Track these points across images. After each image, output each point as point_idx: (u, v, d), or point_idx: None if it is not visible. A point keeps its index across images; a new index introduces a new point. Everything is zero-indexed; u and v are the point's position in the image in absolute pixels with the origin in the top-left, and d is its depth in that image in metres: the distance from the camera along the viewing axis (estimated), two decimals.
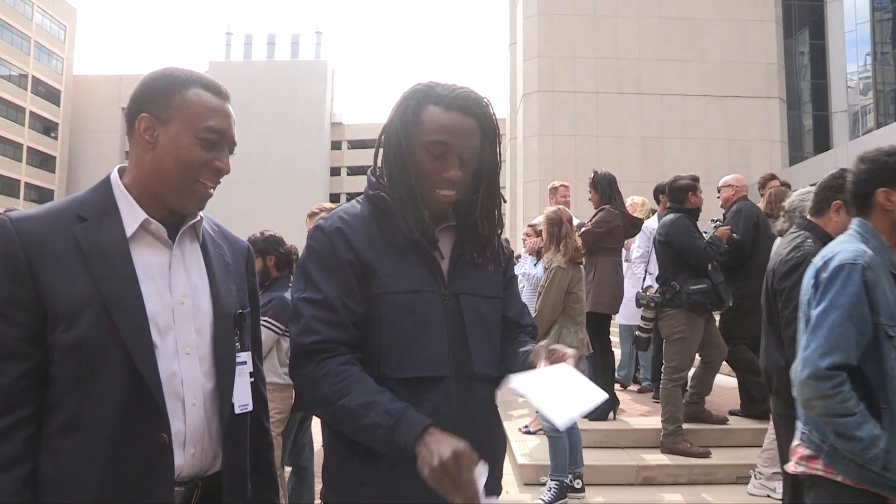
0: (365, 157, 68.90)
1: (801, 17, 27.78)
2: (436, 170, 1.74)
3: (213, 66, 70.45)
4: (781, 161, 17.81)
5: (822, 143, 26.79)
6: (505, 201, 2.03)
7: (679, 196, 5.78)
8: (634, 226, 6.00)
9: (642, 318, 5.96)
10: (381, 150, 1.84)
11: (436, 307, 1.74)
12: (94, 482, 1.44)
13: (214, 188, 1.66)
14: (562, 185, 7.34)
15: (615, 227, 6.11)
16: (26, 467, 1.43)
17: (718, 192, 6.73)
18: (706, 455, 5.50)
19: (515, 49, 22.29)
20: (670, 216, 5.72)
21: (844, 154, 21.04)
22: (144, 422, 1.49)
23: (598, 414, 5.91)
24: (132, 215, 1.59)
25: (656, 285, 5.93)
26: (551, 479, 4.91)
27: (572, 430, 4.94)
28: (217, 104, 1.65)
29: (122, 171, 1.66)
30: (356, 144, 72.13)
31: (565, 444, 4.92)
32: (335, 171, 71.72)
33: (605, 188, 6.17)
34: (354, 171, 70.44)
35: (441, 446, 1.44)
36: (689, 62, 18.14)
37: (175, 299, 1.60)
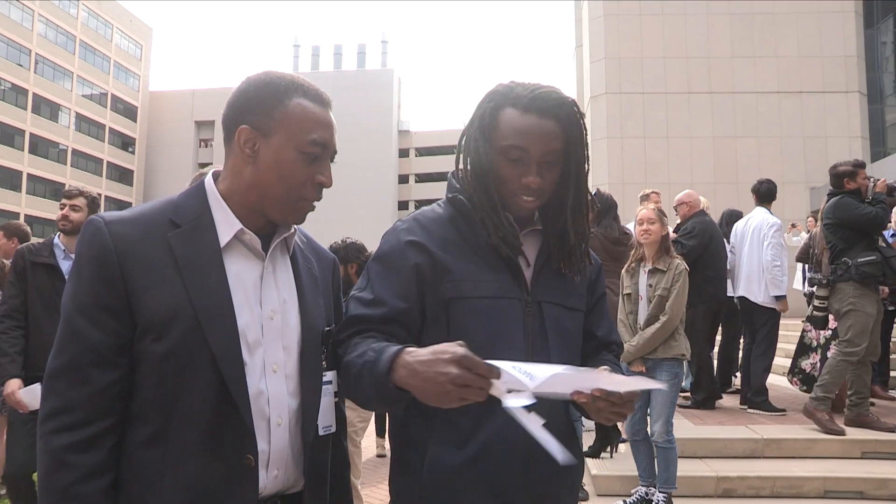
0: (433, 165, 69.33)
1: (884, 6, 26.65)
2: (514, 175, 1.66)
3: None
4: (862, 157, 17.11)
5: None
6: (598, 206, 1.96)
7: (837, 182, 6.06)
8: (614, 244, 5.76)
9: (816, 297, 6.15)
10: (461, 154, 1.77)
11: (515, 315, 1.67)
12: (175, 498, 1.39)
13: (317, 201, 1.60)
14: (653, 192, 7.60)
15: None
16: (110, 477, 1.39)
17: (675, 209, 7.31)
18: (840, 433, 5.65)
19: (582, 52, 22.06)
20: (833, 199, 6.02)
21: None
22: (231, 441, 1.43)
23: (592, 451, 5.82)
24: (227, 224, 1.53)
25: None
26: (660, 492, 4.77)
27: (669, 446, 4.78)
28: (320, 114, 1.57)
29: (216, 176, 1.61)
30: (424, 152, 72.61)
31: (676, 455, 4.78)
32: (403, 179, 72.36)
33: (599, 211, 6.01)
34: (423, 178, 70.90)
35: (438, 352, 1.32)
36: (762, 58, 17.62)
37: (265, 314, 1.53)
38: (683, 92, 17.80)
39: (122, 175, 68.88)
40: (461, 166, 1.77)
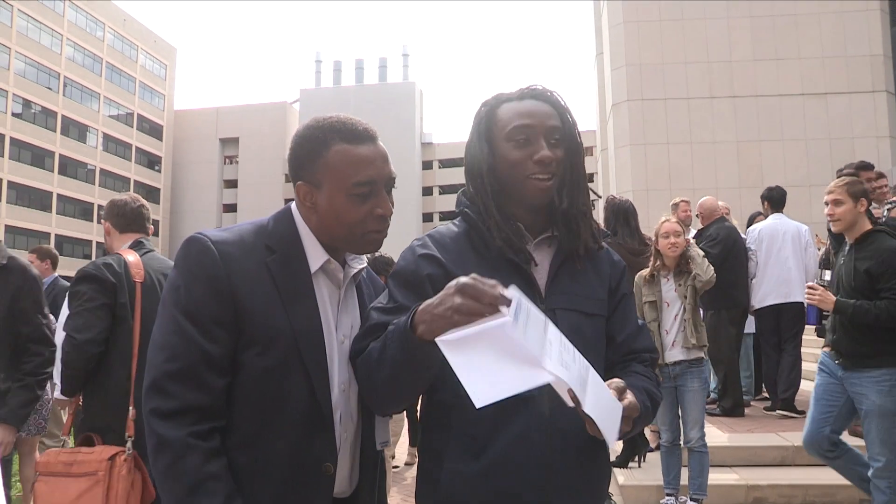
0: (457, 176, 69.41)
1: None
2: (525, 156, 1.73)
3: (304, 93, 72.58)
4: (891, 157, 16.89)
5: None
6: (599, 196, 1.98)
7: None
8: (633, 254, 5.69)
9: None
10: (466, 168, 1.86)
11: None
12: (264, 499, 1.53)
13: (386, 229, 1.70)
14: (682, 201, 7.61)
15: None
16: (226, 461, 1.51)
17: (697, 216, 7.44)
18: None
19: (602, 59, 22.02)
20: None
21: None
22: (316, 449, 1.58)
23: (619, 461, 5.76)
24: (316, 254, 1.67)
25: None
26: (692, 499, 4.75)
27: (704, 451, 4.77)
28: (361, 153, 1.66)
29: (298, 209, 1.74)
30: (447, 163, 72.73)
31: (708, 462, 4.77)
32: (427, 191, 72.53)
33: (608, 217, 5.96)
34: (447, 189, 71.00)
35: (447, 288, 1.34)
36: (785, 61, 17.47)
37: (338, 337, 1.68)
38: (706, 97, 17.70)
39: (149, 193, 69.73)
40: (467, 176, 1.85)
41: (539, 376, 1.33)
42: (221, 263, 1.55)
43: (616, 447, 5.99)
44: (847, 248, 4.27)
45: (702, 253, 5.01)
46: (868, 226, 4.20)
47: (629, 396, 1.51)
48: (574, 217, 1.79)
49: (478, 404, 1.28)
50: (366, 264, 1.81)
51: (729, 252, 6.79)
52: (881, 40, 17.63)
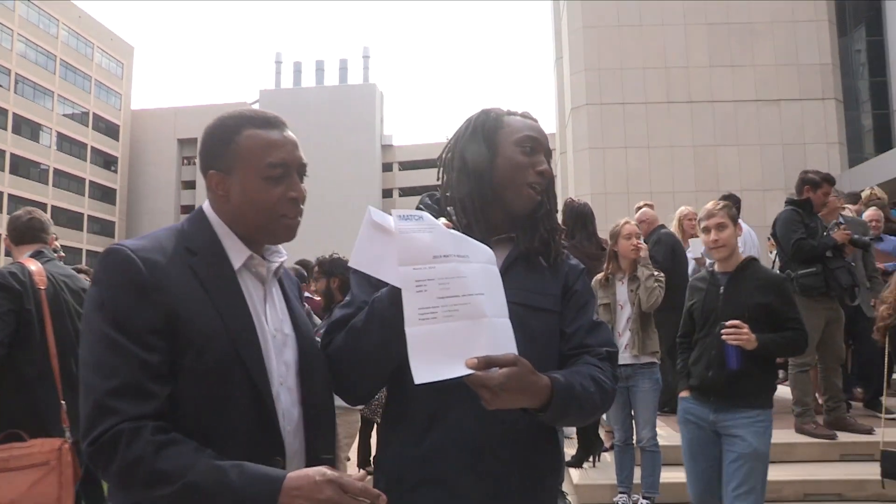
0: (416, 178, 69.41)
1: (856, 14, 27.06)
2: (527, 163, 1.85)
3: (264, 94, 72.00)
4: (840, 163, 17.31)
5: (884, 142, 25.95)
6: (563, 229, 2.09)
7: (799, 186, 6.16)
8: (590, 258, 5.75)
9: None
10: (445, 166, 1.95)
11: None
12: None
13: (300, 216, 1.72)
14: (646, 205, 7.83)
15: None
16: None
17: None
18: (832, 437, 5.70)
19: (562, 63, 22.20)
20: (782, 211, 6.10)
21: None
22: (264, 447, 1.57)
23: (574, 460, 5.85)
24: (237, 251, 1.67)
25: None
26: (644, 497, 4.82)
27: (656, 450, 4.85)
28: (272, 137, 1.69)
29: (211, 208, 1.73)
30: (407, 166, 72.71)
31: (660, 461, 4.84)
32: (387, 193, 72.38)
33: (566, 221, 6.02)
34: (406, 192, 70.93)
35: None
36: (740, 67, 17.79)
37: (270, 331, 1.68)
38: (663, 102, 17.96)
39: (105, 194, 68.55)
40: (449, 175, 1.93)
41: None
42: (146, 271, 1.51)
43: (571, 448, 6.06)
44: (723, 278, 3.91)
45: (654, 277, 4.98)
46: (740, 254, 3.97)
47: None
48: (544, 227, 1.91)
49: (417, 381, 1.41)
50: (285, 257, 1.80)
51: (671, 258, 6.91)
52: (830, 50, 18.05)
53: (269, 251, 1.78)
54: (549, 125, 31.01)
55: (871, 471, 4.90)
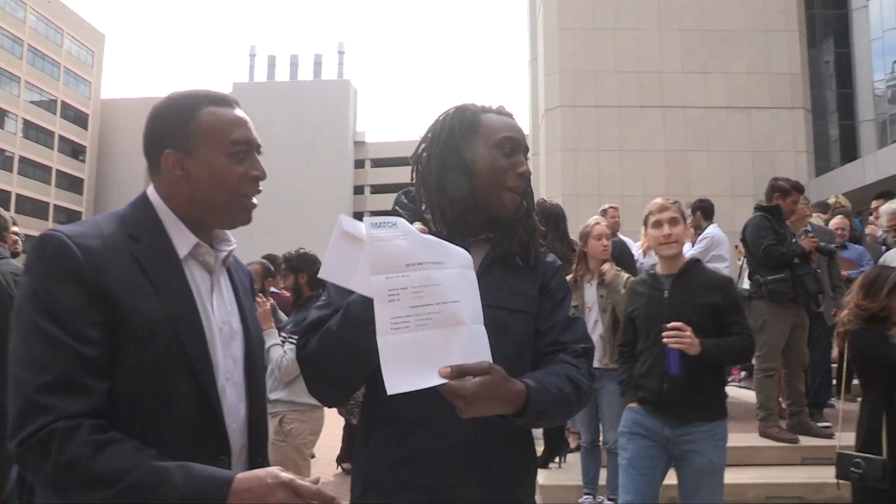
0: (389, 175, 69.22)
1: (825, 27, 27.52)
2: (508, 166, 1.80)
3: (237, 87, 71.38)
4: (808, 171, 17.58)
5: (850, 152, 26.45)
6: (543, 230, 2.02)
7: (769, 193, 6.21)
8: (562, 259, 5.81)
9: None
10: (422, 165, 1.88)
11: None
12: None
13: (257, 196, 1.67)
14: (611, 207, 7.82)
15: None
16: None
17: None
18: (795, 441, 5.77)
19: (537, 65, 22.27)
20: (752, 217, 6.15)
21: (873, 163, 20.76)
22: (209, 444, 1.51)
23: (540, 461, 5.88)
24: (183, 238, 1.59)
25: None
26: (609, 499, 4.84)
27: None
28: (233, 115, 1.65)
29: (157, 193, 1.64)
30: (379, 163, 72.51)
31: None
32: (359, 190, 72.14)
33: (539, 221, 6.06)
34: (378, 189, 70.78)
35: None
36: (712, 74, 17.99)
37: (216, 324, 1.61)
38: (637, 105, 18.09)
39: (73, 184, 67.48)
40: (426, 178, 1.85)
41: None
42: (83, 258, 1.41)
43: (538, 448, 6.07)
44: (667, 281, 3.67)
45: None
46: (684, 255, 3.75)
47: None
48: (524, 228, 1.89)
49: (390, 391, 1.40)
50: (234, 246, 1.73)
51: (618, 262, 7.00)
52: (800, 60, 18.32)
53: (218, 239, 1.70)
54: (521, 126, 31.07)
55: (831, 474, 4.97)
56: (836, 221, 7.61)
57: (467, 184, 1.79)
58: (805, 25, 19.14)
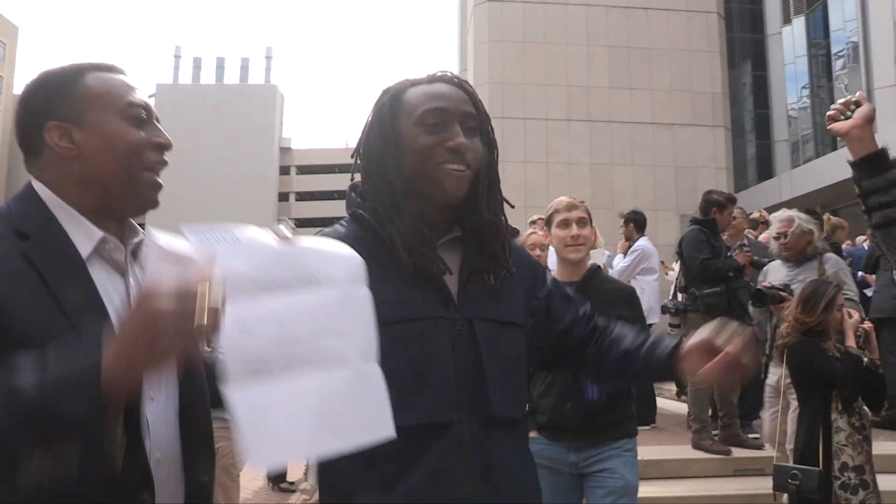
0: (314, 183, 68.54)
1: (743, 50, 28.52)
2: (436, 142, 1.51)
3: (161, 88, 69.62)
4: (727, 188, 18.07)
5: (766, 170, 27.44)
6: (512, 206, 1.74)
7: (706, 208, 6.21)
8: None
9: (669, 325, 6.37)
10: (360, 160, 1.62)
11: (442, 337, 1.48)
12: None
13: (161, 172, 1.40)
14: (540, 218, 7.80)
15: None
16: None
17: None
18: (727, 453, 5.81)
19: (466, 75, 22.39)
20: (688, 231, 6.22)
21: (788, 182, 21.64)
22: (126, 475, 1.21)
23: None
24: (84, 234, 1.32)
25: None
26: None
27: None
28: (124, 80, 1.42)
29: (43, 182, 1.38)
30: (305, 170, 71.76)
31: None
32: (283, 197, 71.17)
33: None
34: (303, 196, 69.99)
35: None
36: (638, 90, 18.38)
37: None
38: (563, 119, 18.31)
39: None
40: (364, 172, 1.61)
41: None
42: None
43: None
44: (569, 288, 2.99)
45: None
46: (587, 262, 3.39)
47: None
48: (488, 229, 1.61)
49: (253, 466, 1.13)
50: (142, 236, 1.42)
51: None
52: (721, 80, 18.90)
53: (128, 232, 1.43)
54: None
55: (763, 485, 5.05)
56: (766, 236, 7.79)
57: (395, 176, 1.52)
58: (725, 47, 19.76)
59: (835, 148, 20.91)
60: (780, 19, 27.50)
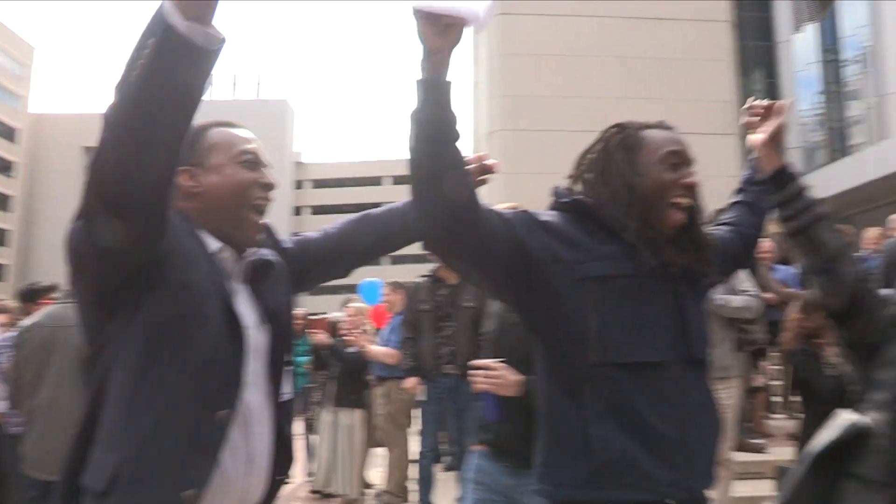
0: (328, 197, 68.66)
1: (756, 57, 28.53)
2: (675, 179, 1.79)
3: None
4: None
5: None
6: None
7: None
8: None
9: None
10: (590, 174, 1.91)
11: (657, 291, 1.74)
12: None
13: (265, 211, 1.74)
14: None
15: None
16: None
17: None
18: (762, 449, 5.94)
19: (479, 88, 22.50)
20: None
21: None
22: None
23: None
24: (209, 239, 1.67)
25: None
26: None
27: None
28: (240, 133, 1.76)
29: None
30: (319, 184, 71.88)
31: None
32: (297, 211, 71.33)
33: None
34: (318, 210, 70.05)
35: None
36: (650, 100, 18.43)
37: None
38: (578, 130, 18.29)
39: (1, 201, 65.11)
40: (590, 183, 1.89)
41: None
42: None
43: None
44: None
45: None
46: None
47: None
48: (704, 246, 1.87)
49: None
50: (258, 253, 1.80)
51: None
52: (732, 88, 18.95)
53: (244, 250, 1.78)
54: (465, 149, 31.21)
55: (765, 488, 5.13)
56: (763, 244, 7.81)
57: (637, 200, 1.77)
58: (737, 55, 19.81)
59: (846, 154, 20.90)
60: (790, 26, 27.55)
